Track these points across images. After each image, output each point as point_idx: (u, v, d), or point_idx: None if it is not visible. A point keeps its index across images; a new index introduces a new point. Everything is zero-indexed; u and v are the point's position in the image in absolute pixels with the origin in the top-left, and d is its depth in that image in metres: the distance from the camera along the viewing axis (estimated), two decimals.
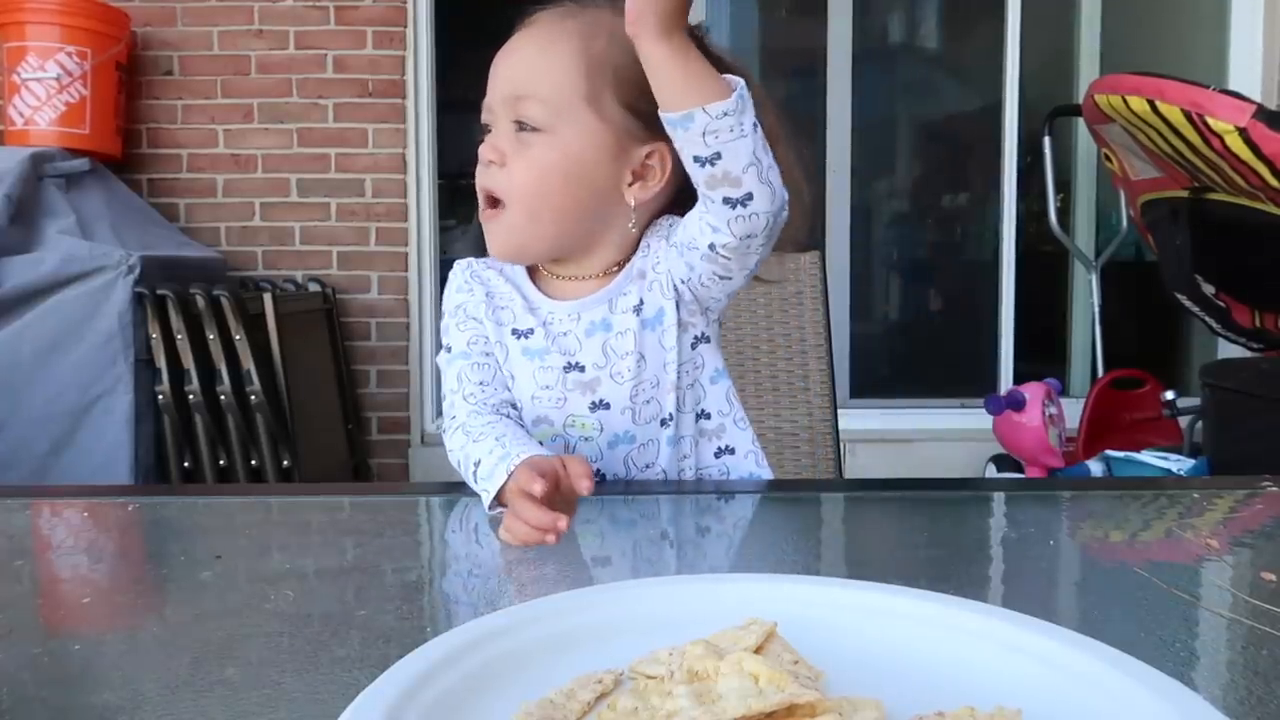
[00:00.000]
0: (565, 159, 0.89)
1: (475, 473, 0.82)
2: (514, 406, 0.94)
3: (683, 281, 0.92)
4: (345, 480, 3.03)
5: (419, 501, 0.93)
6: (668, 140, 0.86)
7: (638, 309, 0.93)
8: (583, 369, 0.93)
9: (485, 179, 0.91)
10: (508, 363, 0.95)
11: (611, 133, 0.90)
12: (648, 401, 0.93)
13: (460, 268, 1.00)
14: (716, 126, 0.77)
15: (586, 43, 0.89)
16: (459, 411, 0.92)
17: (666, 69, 0.77)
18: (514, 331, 0.95)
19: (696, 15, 0.83)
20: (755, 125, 0.80)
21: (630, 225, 0.94)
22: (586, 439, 0.94)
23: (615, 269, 0.95)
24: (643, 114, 0.89)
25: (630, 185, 0.92)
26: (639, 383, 0.92)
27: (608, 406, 0.92)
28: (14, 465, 2.38)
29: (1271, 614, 0.55)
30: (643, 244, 0.96)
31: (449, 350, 0.96)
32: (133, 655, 0.53)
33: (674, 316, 0.93)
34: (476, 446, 0.84)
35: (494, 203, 0.91)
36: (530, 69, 0.89)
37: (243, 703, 0.45)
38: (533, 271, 0.98)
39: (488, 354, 0.95)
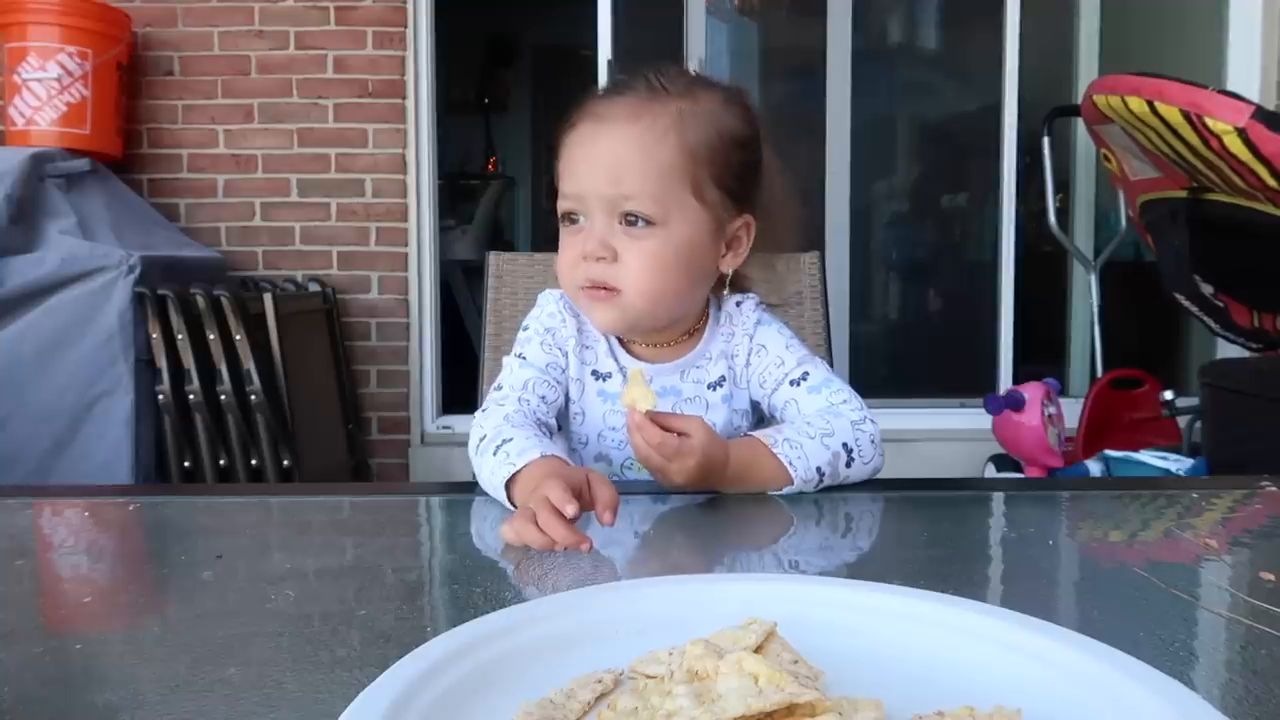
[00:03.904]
0: (678, 249, 0.92)
1: (502, 446, 0.83)
2: (550, 431, 0.97)
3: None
4: (345, 480, 3.03)
5: (419, 501, 0.93)
6: (753, 210, 0.96)
7: (715, 386, 1.00)
8: None
9: (594, 273, 0.92)
10: (583, 398, 1.00)
11: (713, 215, 0.94)
12: None
13: (554, 297, 1.03)
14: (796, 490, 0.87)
15: (682, 133, 0.91)
16: (508, 403, 0.94)
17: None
18: (594, 372, 1.00)
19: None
20: (831, 472, 0.88)
21: (725, 292, 1.01)
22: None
23: (685, 336, 1.01)
24: (733, 190, 0.95)
25: (723, 256, 0.97)
26: None
27: None
28: (15, 464, 2.38)
29: (1271, 614, 0.55)
30: (723, 323, 1.02)
31: (522, 359, 0.99)
32: (133, 655, 0.53)
33: (746, 404, 1.02)
34: (513, 430, 0.86)
35: (607, 287, 0.93)
36: (636, 167, 0.90)
37: (243, 703, 0.45)
38: None
39: (559, 381, 0.99)
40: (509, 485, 0.80)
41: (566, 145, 0.95)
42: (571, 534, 0.68)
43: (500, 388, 0.97)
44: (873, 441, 0.92)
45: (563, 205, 0.95)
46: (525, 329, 1.03)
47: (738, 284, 1.03)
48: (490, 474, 0.83)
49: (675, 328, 1.00)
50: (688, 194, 0.92)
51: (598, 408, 0.99)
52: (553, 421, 0.98)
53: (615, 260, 0.91)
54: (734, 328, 1.01)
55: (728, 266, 0.98)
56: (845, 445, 0.89)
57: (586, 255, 0.92)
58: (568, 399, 1.01)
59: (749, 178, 0.97)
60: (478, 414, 0.94)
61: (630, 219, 0.91)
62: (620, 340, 1.01)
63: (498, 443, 0.84)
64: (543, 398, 0.96)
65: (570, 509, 0.69)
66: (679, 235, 0.92)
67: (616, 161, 0.91)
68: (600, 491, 0.73)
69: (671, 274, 0.92)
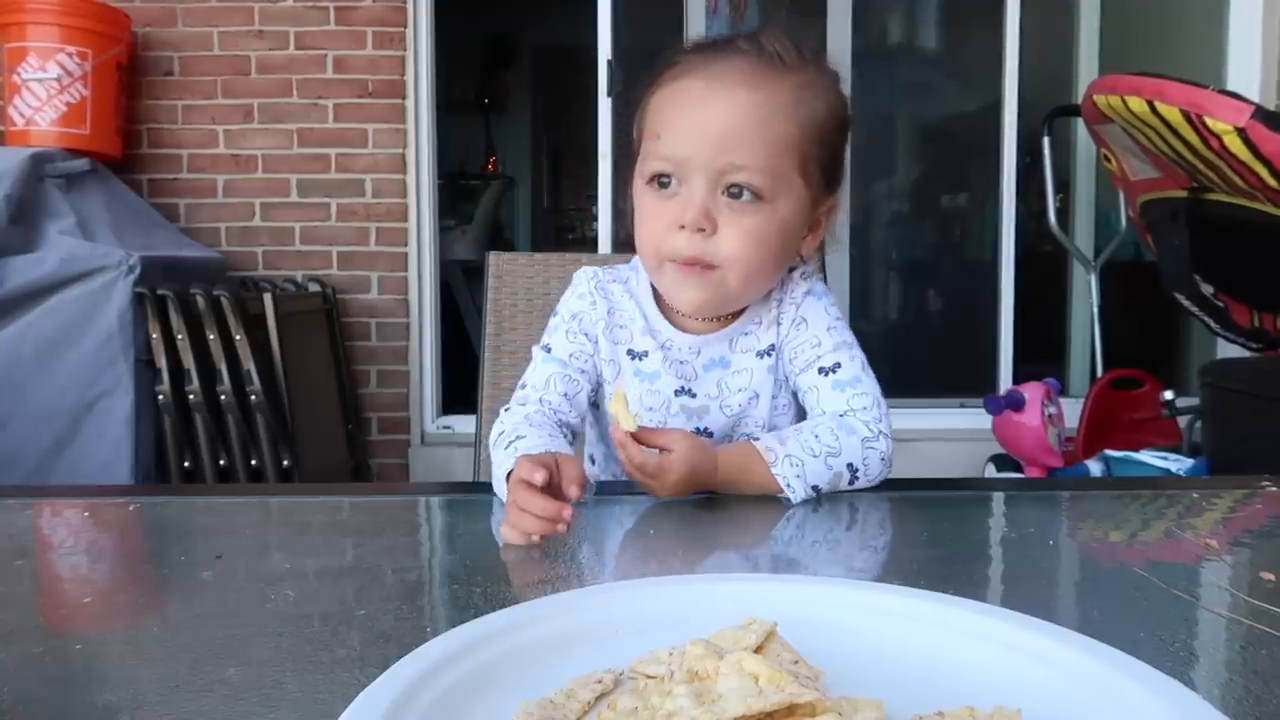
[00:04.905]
0: (780, 227, 0.89)
1: (514, 442, 0.83)
2: (573, 431, 0.96)
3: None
4: (345, 480, 3.03)
5: (419, 501, 0.93)
6: (835, 192, 0.93)
7: (764, 354, 0.96)
8: (694, 395, 0.96)
9: (690, 246, 0.87)
10: (618, 379, 0.97)
11: (811, 194, 0.91)
12: (747, 434, 0.96)
13: (585, 277, 1.00)
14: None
15: (798, 109, 0.88)
16: (530, 402, 0.94)
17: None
18: (629, 351, 0.97)
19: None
20: (830, 488, 0.86)
21: (799, 274, 0.98)
22: None
23: (740, 311, 0.97)
24: (826, 171, 0.92)
25: (805, 238, 0.94)
26: (745, 416, 0.96)
27: (710, 435, 0.95)
28: (15, 465, 2.38)
29: (1271, 614, 0.55)
30: (774, 294, 0.97)
31: (548, 350, 0.98)
32: (132, 655, 0.53)
33: (783, 374, 0.98)
34: (529, 429, 0.86)
35: (702, 263, 0.88)
36: (752, 138, 0.85)
37: (243, 703, 0.45)
38: (657, 293, 0.98)
39: (583, 371, 0.97)
40: (508, 479, 0.81)
41: (664, 101, 0.89)
42: (549, 504, 0.69)
43: (525, 386, 0.97)
44: (883, 459, 0.89)
45: (657, 166, 0.88)
46: (555, 314, 1.01)
47: None
48: (497, 466, 0.84)
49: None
50: (795, 172, 0.87)
51: (634, 388, 0.96)
52: (575, 418, 0.96)
53: (714, 233, 0.86)
54: (783, 293, 0.97)
55: (808, 249, 0.95)
56: (850, 465, 0.86)
57: (686, 224, 0.86)
58: (600, 382, 0.99)
59: (839, 159, 0.93)
60: (502, 410, 0.94)
61: (734, 191, 0.86)
62: (665, 314, 0.98)
63: (512, 438, 0.85)
64: (564, 394, 0.95)
65: (538, 476, 0.70)
66: (783, 213, 0.88)
67: (731, 129, 0.85)
68: (566, 469, 0.74)
69: (768, 252, 0.88)
